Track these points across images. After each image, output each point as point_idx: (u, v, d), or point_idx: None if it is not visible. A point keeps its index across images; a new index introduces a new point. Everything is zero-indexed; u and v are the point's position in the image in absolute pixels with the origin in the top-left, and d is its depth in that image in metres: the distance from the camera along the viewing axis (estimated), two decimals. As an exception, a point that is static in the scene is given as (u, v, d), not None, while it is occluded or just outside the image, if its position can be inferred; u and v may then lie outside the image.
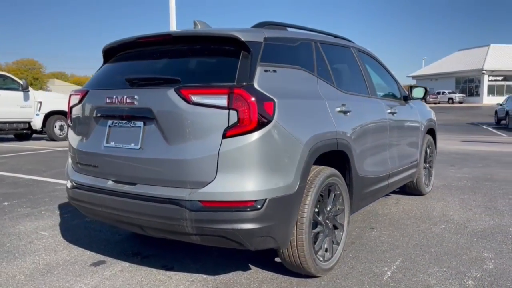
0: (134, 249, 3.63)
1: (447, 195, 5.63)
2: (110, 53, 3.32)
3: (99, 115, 2.94)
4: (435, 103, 50.92)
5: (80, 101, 3.09)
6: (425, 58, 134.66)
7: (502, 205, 5.11)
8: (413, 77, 66.77)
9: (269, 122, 2.50)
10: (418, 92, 4.86)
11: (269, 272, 3.13)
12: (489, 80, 53.82)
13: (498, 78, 53.83)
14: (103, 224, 4.31)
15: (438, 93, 54.35)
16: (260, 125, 2.45)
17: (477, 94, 55.38)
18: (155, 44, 3.00)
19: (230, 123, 2.44)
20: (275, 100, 2.56)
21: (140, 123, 2.73)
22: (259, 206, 2.47)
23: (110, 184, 2.83)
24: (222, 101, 2.45)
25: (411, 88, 4.91)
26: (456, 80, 58.91)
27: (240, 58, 2.63)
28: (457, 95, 53.47)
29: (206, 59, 2.85)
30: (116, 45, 3.22)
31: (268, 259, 3.34)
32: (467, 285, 2.90)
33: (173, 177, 2.56)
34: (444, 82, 59.51)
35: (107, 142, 2.88)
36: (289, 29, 3.39)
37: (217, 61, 2.78)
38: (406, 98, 4.89)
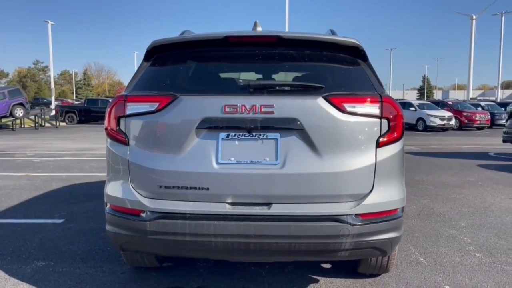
0: (168, 285, 3.02)
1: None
2: (158, 51, 2.68)
3: (206, 126, 2.38)
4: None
5: (158, 110, 2.42)
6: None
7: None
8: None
9: (404, 129, 2.58)
10: None
11: (337, 279, 3.15)
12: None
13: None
14: (73, 263, 3.40)
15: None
16: (403, 133, 2.52)
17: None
18: (252, 45, 2.62)
19: (382, 132, 2.43)
20: None
21: (275, 135, 2.37)
22: (401, 213, 2.53)
23: (229, 208, 2.36)
24: (375, 109, 2.42)
25: None
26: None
27: (364, 66, 2.61)
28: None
29: (327, 66, 2.64)
30: (182, 42, 2.64)
31: (315, 266, 3.35)
32: (477, 257, 3.60)
33: (327, 191, 2.36)
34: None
35: (222, 159, 2.37)
36: None
37: (340, 69, 2.63)
38: None
